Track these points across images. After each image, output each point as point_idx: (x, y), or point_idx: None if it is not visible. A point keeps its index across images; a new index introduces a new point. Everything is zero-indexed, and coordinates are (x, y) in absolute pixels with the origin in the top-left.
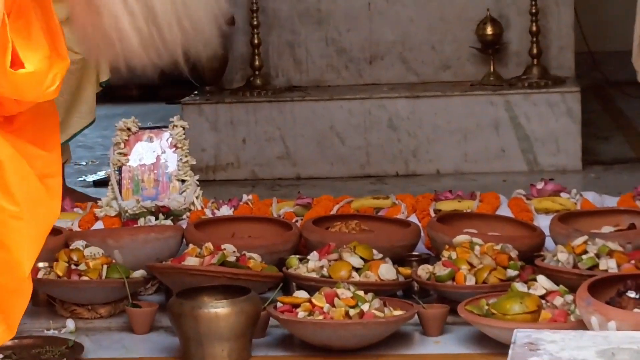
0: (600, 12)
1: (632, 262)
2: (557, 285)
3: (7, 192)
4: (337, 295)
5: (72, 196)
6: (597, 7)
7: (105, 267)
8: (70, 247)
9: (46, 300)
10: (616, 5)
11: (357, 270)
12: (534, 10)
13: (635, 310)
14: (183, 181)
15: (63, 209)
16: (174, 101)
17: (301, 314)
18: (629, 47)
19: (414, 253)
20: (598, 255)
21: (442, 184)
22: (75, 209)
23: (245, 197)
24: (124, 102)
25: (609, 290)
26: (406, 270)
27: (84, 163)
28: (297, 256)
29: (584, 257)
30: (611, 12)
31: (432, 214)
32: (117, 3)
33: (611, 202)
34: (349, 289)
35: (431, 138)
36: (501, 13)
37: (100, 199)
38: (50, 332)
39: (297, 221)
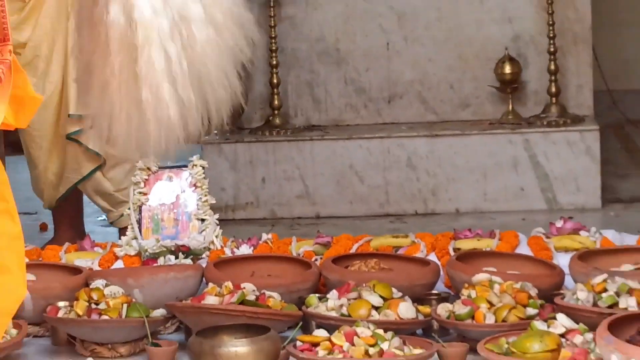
0: (619, 51)
1: None
2: (577, 323)
3: (10, 213)
4: (356, 334)
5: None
6: (615, 46)
7: (125, 306)
8: (91, 286)
9: (66, 339)
10: (635, 43)
11: (377, 308)
12: (552, 49)
13: None
14: (202, 220)
15: (83, 248)
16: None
17: (321, 352)
18: None
19: (433, 291)
20: (618, 294)
21: (461, 223)
22: (95, 248)
23: (264, 236)
24: None
25: (629, 328)
26: (425, 309)
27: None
28: (317, 295)
29: (603, 295)
30: (630, 50)
31: (452, 253)
32: (159, 71)
33: (631, 240)
34: (368, 327)
35: (450, 177)
36: (519, 52)
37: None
38: None
39: (316, 260)
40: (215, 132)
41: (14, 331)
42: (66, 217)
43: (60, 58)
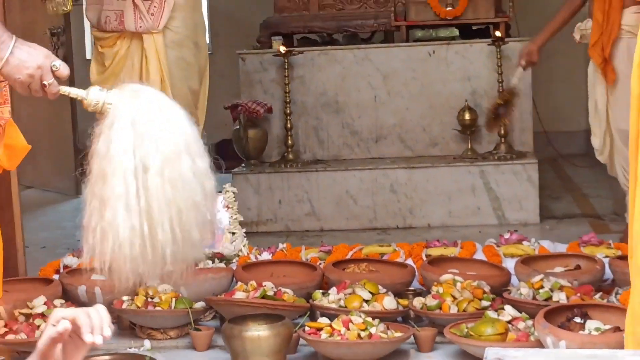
0: (553, 100)
1: (578, 295)
2: (520, 313)
3: None
4: (351, 321)
5: None
6: (549, 96)
7: (174, 300)
8: (148, 285)
9: (129, 325)
10: (565, 94)
11: (367, 301)
12: (501, 102)
13: (580, 332)
14: (233, 233)
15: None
16: (226, 171)
17: (324, 335)
18: (575, 128)
19: (410, 288)
20: (552, 290)
21: (432, 235)
22: None
23: (280, 246)
24: None
25: (560, 317)
26: (404, 302)
27: None
28: (321, 291)
29: (540, 291)
30: (561, 99)
31: (424, 258)
32: (121, 198)
33: (562, 248)
34: (360, 316)
35: (423, 199)
36: (476, 103)
37: None
38: (132, 350)
39: (320, 264)
40: (243, 165)
41: None
42: None
43: None
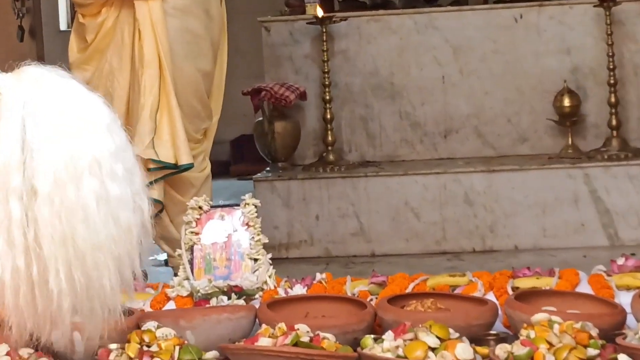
0: None
1: None
2: None
3: None
4: None
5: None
6: None
7: (177, 348)
8: (142, 328)
9: None
10: None
11: (433, 350)
12: (612, 81)
13: None
14: (255, 260)
15: (135, 290)
16: (246, 177)
17: None
18: None
19: (491, 332)
20: None
21: (520, 260)
22: (147, 289)
23: (318, 276)
24: None
25: None
26: (484, 350)
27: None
28: (372, 336)
29: None
30: None
31: (510, 292)
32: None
33: None
34: None
35: (508, 213)
36: (578, 84)
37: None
38: None
39: (371, 300)
40: (268, 169)
41: None
42: None
43: (120, 102)
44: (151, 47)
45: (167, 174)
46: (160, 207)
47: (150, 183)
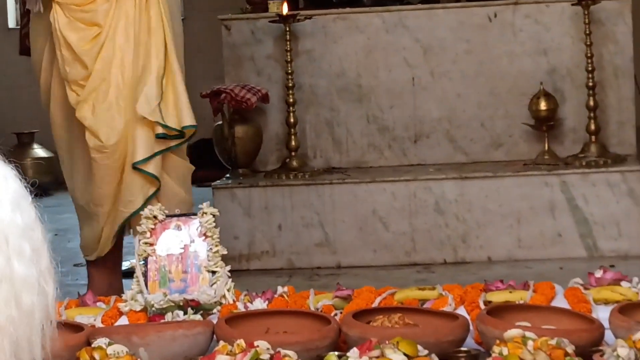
0: None
1: None
2: None
3: None
4: None
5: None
6: None
7: None
8: (93, 345)
9: None
10: None
11: None
12: (591, 84)
13: None
14: (213, 272)
15: (85, 304)
16: (204, 184)
17: None
18: None
19: (462, 348)
20: None
21: (494, 272)
22: (98, 304)
23: (280, 289)
24: None
25: None
26: None
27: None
28: (336, 353)
29: None
30: None
31: (482, 306)
32: None
33: None
34: None
35: (481, 222)
36: (556, 87)
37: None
38: None
39: (336, 315)
40: (227, 175)
41: None
42: (106, 267)
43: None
44: (157, 14)
45: (171, 145)
46: (157, 185)
47: (154, 156)
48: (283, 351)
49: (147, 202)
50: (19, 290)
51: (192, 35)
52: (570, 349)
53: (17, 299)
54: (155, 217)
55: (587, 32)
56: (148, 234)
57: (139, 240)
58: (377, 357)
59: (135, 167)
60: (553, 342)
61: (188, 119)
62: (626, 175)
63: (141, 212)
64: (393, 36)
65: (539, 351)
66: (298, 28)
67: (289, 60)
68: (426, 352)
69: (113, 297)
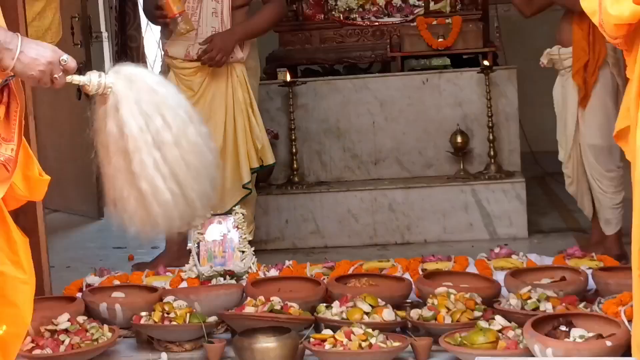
0: (538, 122)
1: (563, 305)
2: (510, 322)
3: (19, 265)
4: (353, 333)
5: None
6: (535, 118)
7: (188, 314)
8: (164, 301)
9: (147, 339)
10: (549, 115)
11: (367, 314)
12: (490, 124)
13: (565, 340)
14: (243, 252)
15: (158, 274)
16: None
17: (327, 346)
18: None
19: (407, 301)
20: (539, 300)
21: (428, 250)
22: (167, 273)
23: (287, 263)
24: None
25: (547, 325)
26: (402, 313)
27: None
28: (324, 304)
29: (528, 301)
30: (546, 121)
31: (421, 272)
32: (151, 170)
33: (548, 261)
34: (361, 327)
35: (420, 217)
36: (467, 127)
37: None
38: None
39: (324, 279)
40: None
41: (109, 334)
42: (178, 241)
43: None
44: (243, 96)
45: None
46: (247, 193)
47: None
48: (289, 303)
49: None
50: (207, 142)
51: None
52: (478, 300)
53: (209, 147)
54: (205, 216)
55: (488, 90)
56: (200, 227)
57: (194, 231)
58: (351, 307)
59: (244, 186)
60: (467, 295)
61: (270, 159)
62: (514, 184)
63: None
64: (360, 94)
65: (458, 302)
66: (297, 89)
67: (291, 111)
68: (384, 303)
69: (177, 269)
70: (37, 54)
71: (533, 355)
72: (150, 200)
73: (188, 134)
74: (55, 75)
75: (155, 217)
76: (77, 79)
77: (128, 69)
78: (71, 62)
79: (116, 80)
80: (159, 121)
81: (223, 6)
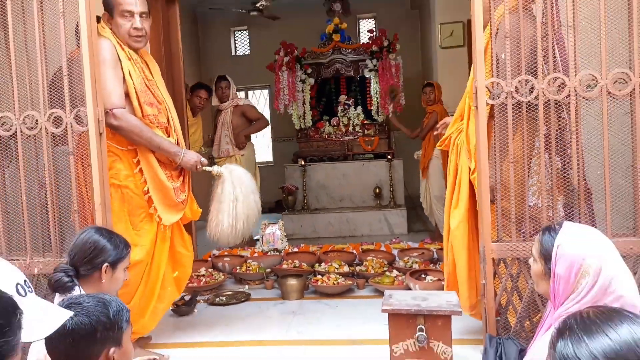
0: (411, 183)
1: (423, 265)
2: (400, 273)
3: (186, 248)
4: (330, 277)
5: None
6: (410, 181)
7: (257, 268)
8: (247, 262)
9: (239, 279)
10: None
11: (337, 269)
12: (391, 184)
13: (424, 281)
14: (282, 240)
15: (242, 249)
16: (280, 212)
17: (319, 282)
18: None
19: (354, 262)
20: (413, 263)
21: (363, 239)
22: (248, 249)
23: (301, 245)
24: (262, 213)
25: (416, 274)
26: (352, 268)
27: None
28: (318, 264)
29: (407, 264)
30: (415, 182)
31: (360, 250)
32: (223, 212)
33: (416, 245)
34: (334, 274)
35: (360, 224)
36: (381, 186)
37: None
38: (240, 289)
39: (317, 252)
40: (285, 211)
41: (222, 277)
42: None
43: None
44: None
45: None
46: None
47: None
48: (302, 263)
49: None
50: (257, 203)
51: (278, 172)
52: (385, 262)
53: (257, 206)
54: (264, 223)
55: (389, 169)
56: (263, 227)
57: (261, 230)
58: (330, 265)
59: None
60: (381, 260)
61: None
62: (401, 210)
63: (265, 222)
64: (334, 170)
65: (377, 263)
66: (307, 167)
67: (304, 177)
68: (344, 263)
69: (252, 248)
70: (190, 157)
71: (410, 288)
72: (224, 228)
73: (250, 199)
74: (198, 167)
75: (224, 236)
76: (208, 169)
77: (231, 166)
78: (204, 161)
79: (224, 170)
80: (238, 190)
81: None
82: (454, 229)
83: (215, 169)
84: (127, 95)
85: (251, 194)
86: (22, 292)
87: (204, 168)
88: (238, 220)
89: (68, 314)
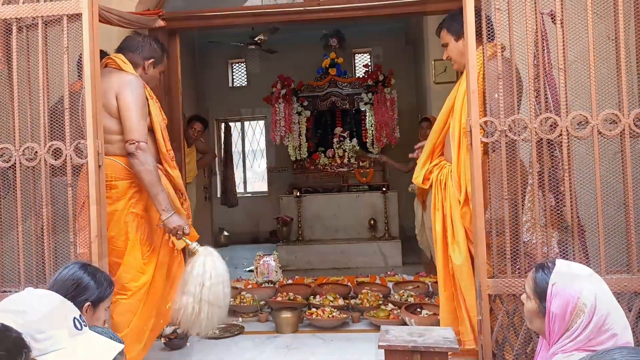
0: (405, 215)
1: (419, 299)
2: (395, 307)
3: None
4: (324, 310)
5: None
6: (404, 214)
7: (251, 300)
8: (241, 294)
9: (233, 310)
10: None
11: (331, 301)
12: (385, 215)
13: (419, 315)
14: (277, 271)
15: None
16: (275, 243)
17: (313, 316)
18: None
19: (349, 295)
20: (408, 297)
21: (358, 272)
22: (243, 281)
23: (296, 277)
24: (256, 243)
25: (411, 308)
26: (347, 301)
27: (246, 266)
28: (312, 296)
29: (403, 297)
30: (409, 215)
31: (356, 282)
32: (188, 294)
33: (411, 277)
34: (329, 307)
35: (354, 256)
36: (376, 218)
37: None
38: (234, 322)
39: (312, 284)
40: (280, 242)
41: None
42: None
43: None
44: None
45: None
46: None
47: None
48: (296, 295)
49: None
50: (226, 294)
51: (273, 200)
52: (381, 295)
53: (225, 295)
54: (259, 255)
55: (384, 201)
56: (258, 259)
57: (255, 261)
58: (324, 298)
59: None
60: (376, 293)
61: None
62: (396, 241)
63: (259, 253)
64: (329, 202)
65: (372, 296)
66: (302, 198)
67: (299, 208)
68: (339, 296)
69: (246, 279)
70: (174, 220)
71: (406, 323)
72: (187, 313)
73: (220, 285)
74: (179, 232)
75: (185, 322)
76: (187, 241)
77: (210, 249)
78: (187, 230)
79: (202, 250)
80: (208, 274)
81: None
82: (460, 265)
83: (193, 245)
84: (149, 130)
85: (221, 284)
86: (79, 326)
87: (183, 238)
88: (202, 306)
89: (119, 347)
